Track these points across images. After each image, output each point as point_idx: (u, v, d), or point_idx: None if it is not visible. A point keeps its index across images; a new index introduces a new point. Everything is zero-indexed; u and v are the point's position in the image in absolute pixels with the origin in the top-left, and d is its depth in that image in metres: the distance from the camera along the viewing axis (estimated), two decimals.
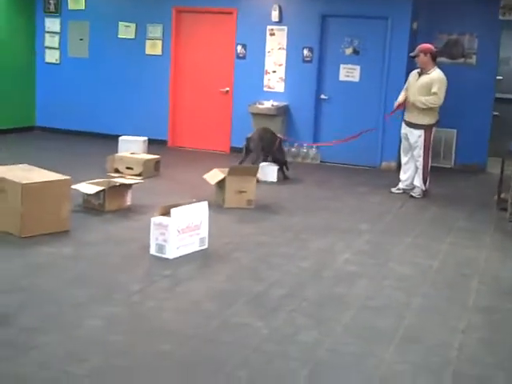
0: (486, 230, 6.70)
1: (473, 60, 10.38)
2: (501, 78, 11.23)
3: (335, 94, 10.43)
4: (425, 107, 7.88)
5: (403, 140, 8.28)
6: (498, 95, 10.92)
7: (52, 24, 11.86)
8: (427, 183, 8.14)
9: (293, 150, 10.37)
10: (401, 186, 8.34)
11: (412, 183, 8.22)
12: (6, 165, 6.18)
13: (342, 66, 10.36)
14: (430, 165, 8.15)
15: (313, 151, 10.43)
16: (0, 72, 11.36)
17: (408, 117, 8.14)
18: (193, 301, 4.33)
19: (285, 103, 10.50)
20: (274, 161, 8.77)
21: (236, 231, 6.17)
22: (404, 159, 8.32)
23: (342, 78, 10.39)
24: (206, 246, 5.42)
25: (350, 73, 10.35)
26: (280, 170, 8.73)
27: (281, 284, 4.74)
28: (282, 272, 5.01)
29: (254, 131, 8.87)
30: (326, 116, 10.44)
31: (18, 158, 7.12)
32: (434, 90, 7.84)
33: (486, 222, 7.04)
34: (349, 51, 10.32)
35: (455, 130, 10.47)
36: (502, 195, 7.62)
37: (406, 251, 5.79)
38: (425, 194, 8.14)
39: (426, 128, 7.99)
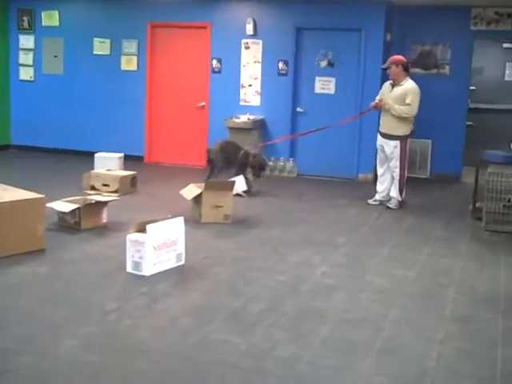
0: (461, 240, 6.75)
1: (446, 70, 10.48)
2: (474, 88, 11.37)
3: (311, 107, 10.48)
4: (397, 115, 7.94)
5: (379, 152, 8.32)
6: (472, 105, 11.09)
7: (26, 41, 11.79)
8: (403, 194, 8.19)
9: (270, 163, 10.39)
10: (377, 197, 8.38)
11: (388, 194, 8.27)
12: None
13: (317, 78, 10.42)
14: (406, 175, 8.21)
15: (290, 164, 10.46)
16: None
17: (383, 128, 8.19)
18: (170, 318, 4.30)
19: (261, 117, 10.52)
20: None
21: (213, 246, 6.15)
22: (380, 171, 8.36)
23: (317, 90, 10.45)
24: (182, 262, 5.39)
25: (325, 85, 10.40)
26: (257, 176, 8.77)
27: (259, 299, 4.73)
28: (259, 286, 5.01)
29: (216, 143, 8.95)
30: (303, 129, 10.37)
31: None
32: (407, 101, 7.92)
33: (461, 232, 7.10)
34: (324, 63, 10.37)
35: (430, 141, 10.57)
36: (477, 204, 7.68)
37: (382, 263, 5.81)
38: (401, 204, 8.18)
39: (402, 139, 8.05)
